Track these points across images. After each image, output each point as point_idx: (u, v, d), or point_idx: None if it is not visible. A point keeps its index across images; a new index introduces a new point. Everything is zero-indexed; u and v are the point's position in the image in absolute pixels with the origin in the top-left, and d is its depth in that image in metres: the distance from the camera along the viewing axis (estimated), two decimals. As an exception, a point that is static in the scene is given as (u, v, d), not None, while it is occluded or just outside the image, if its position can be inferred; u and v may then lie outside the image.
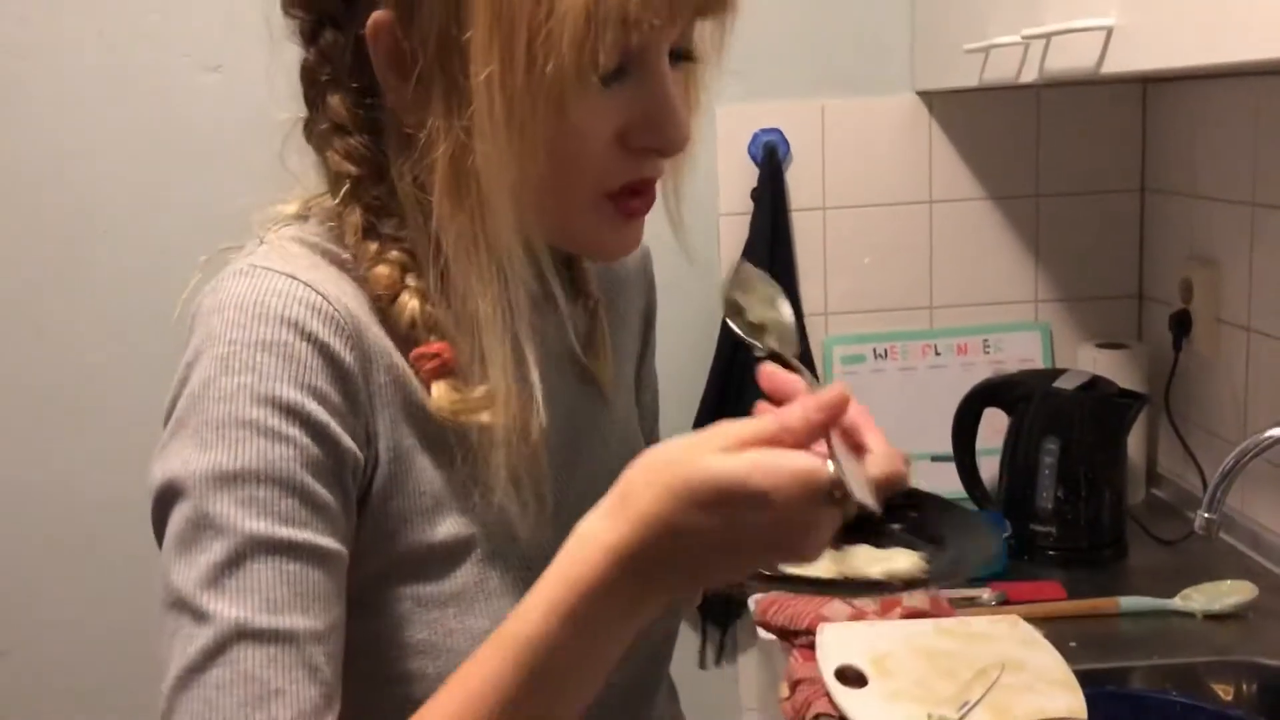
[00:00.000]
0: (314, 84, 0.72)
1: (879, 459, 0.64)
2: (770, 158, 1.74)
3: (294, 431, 0.64)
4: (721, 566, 0.61)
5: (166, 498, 0.65)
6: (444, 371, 0.70)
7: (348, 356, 0.67)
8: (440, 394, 0.70)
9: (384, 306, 0.71)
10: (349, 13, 0.69)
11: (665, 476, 0.59)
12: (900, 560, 0.65)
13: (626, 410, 0.90)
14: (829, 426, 0.60)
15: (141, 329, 1.72)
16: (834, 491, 0.58)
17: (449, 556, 0.71)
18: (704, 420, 1.76)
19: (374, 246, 0.71)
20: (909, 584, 0.64)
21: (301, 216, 0.75)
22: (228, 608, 0.61)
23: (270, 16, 0.73)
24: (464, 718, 0.61)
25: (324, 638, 0.64)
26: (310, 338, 0.66)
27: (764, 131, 1.76)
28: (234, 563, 0.62)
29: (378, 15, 0.67)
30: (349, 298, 0.70)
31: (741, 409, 1.95)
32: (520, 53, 0.63)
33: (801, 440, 0.60)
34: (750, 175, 1.75)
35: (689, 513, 0.58)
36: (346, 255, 0.72)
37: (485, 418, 0.69)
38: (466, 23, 0.64)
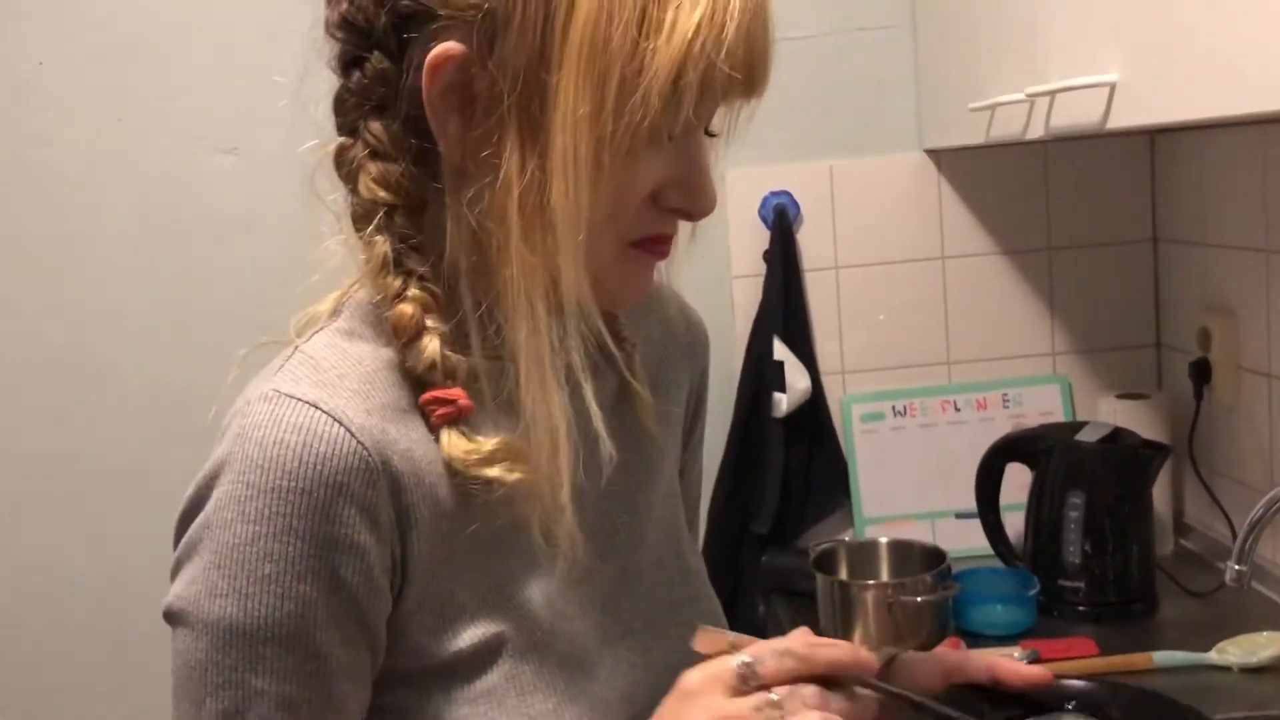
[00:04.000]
0: (355, 110, 0.70)
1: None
2: (781, 219, 1.75)
3: (305, 589, 0.64)
4: None
5: (174, 620, 0.66)
6: (456, 419, 0.69)
7: (369, 494, 0.65)
8: (451, 443, 0.68)
9: (404, 348, 0.69)
10: (405, 41, 0.68)
11: None
12: None
13: (670, 492, 0.87)
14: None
15: (160, 412, 1.73)
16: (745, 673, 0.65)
17: (479, 658, 0.70)
18: (724, 484, 1.76)
19: (397, 283, 0.69)
20: None
21: (336, 312, 0.74)
22: None
23: (300, 95, 0.72)
24: None
25: None
26: (328, 483, 0.64)
27: (774, 194, 1.77)
28: (239, 715, 0.64)
29: (446, 46, 0.66)
30: (381, 391, 0.68)
31: (761, 471, 1.93)
32: (611, 100, 0.64)
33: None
34: (761, 237, 1.77)
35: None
36: (379, 333, 0.71)
37: (499, 472, 0.68)
38: (554, 64, 0.64)
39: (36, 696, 1.78)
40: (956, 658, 0.75)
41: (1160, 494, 1.62)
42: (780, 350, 1.72)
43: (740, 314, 1.78)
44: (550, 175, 0.65)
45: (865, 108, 1.78)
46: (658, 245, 0.72)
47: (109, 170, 1.73)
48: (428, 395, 0.69)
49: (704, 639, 0.69)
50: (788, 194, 1.77)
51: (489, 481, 0.68)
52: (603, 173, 0.65)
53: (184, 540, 0.67)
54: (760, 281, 1.76)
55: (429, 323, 0.69)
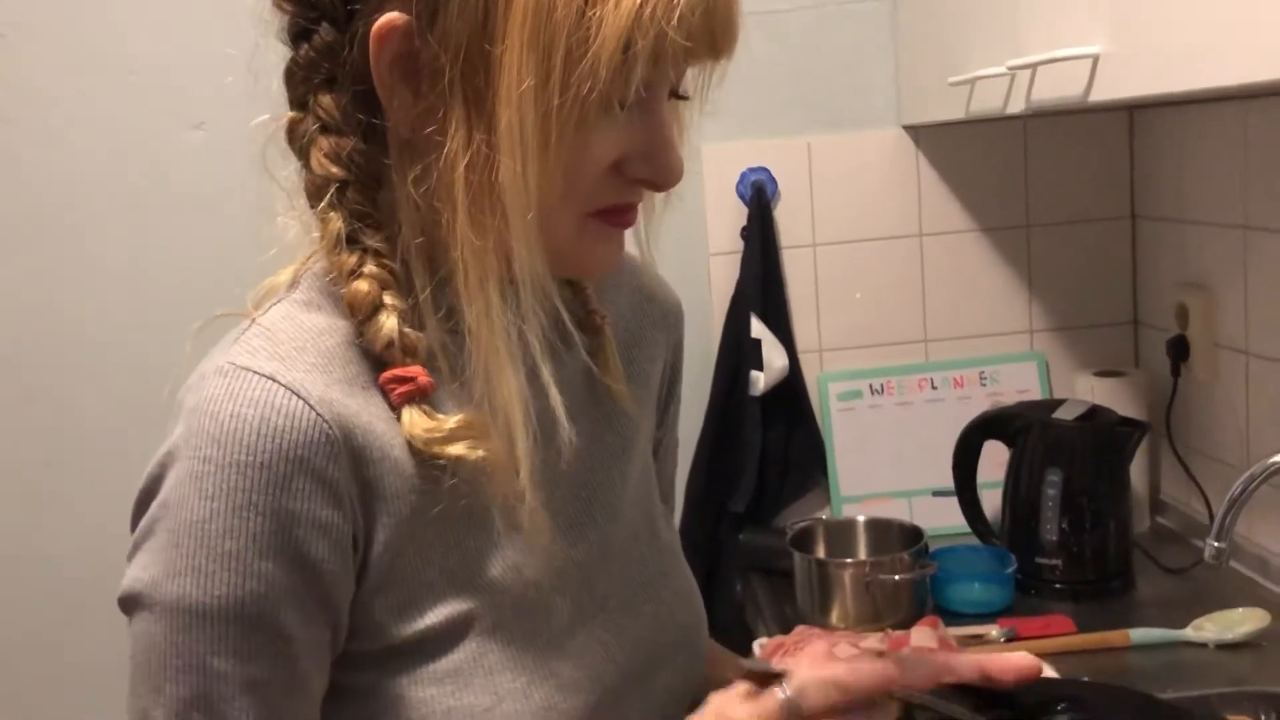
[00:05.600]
0: (304, 83, 0.69)
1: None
2: (759, 196, 1.74)
3: (266, 566, 0.62)
4: None
5: (130, 605, 0.65)
6: (416, 397, 0.67)
7: (330, 467, 0.64)
8: (412, 421, 0.66)
9: (361, 326, 0.68)
10: (352, 12, 0.66)
11: None
12: None
13: (644, 467, 0.86)
14: None
15: (129, 389, 1.70)
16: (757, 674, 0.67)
17: (445, 637, 0.69)
18: (701, 462, 1.74)
19: (353, 260, 0.68)
20: None
21: (294, 284, 0.72)
22: None
23: (253, 64, 0.70)
24: None
25: None
26: (287, 457, 0.62)
27: (751, 170, 1.75)
28: (202, 699, 0.62)
29: (390, 17, 0.64)
30: (340, 366, 0.67)
31: (739, 449, 1.93)
32: (557, 72, 0.62)
33: None
34: (739, 214, 1.75)
35: None
36: (338, 305, 0.69)
37: (461, 450, 0.66)
38: (498, 35, 0.62)
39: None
40: (943, 658, 0.74)
41: (1137, 471, 1.62)
42: (758, 328, 1.71)
43: (717, 291, 1.77)
44: (497, 151, 0.63)
45: (844, 83, 1.76)
46: (620, 215, 0.70)
47: (74, 146, 1.70)
48: (387, 374, 0.67)
49: (743, 671, 0.69)
50: (765, 170, 1.75)
51: (453, 459, 0.67)
52: (551, 148, 0.63)
53: (141, 522, 0.65)
54: (738, 259, 1.75)
55: (386, 299, 0.68)
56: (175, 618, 0.62)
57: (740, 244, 1.75)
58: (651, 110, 0.67)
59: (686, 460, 1.75)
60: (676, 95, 0.71)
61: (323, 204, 0.68)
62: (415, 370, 0.67)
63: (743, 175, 1.75)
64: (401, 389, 0.67)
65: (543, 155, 0.63)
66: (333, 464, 0.64)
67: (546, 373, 0.66)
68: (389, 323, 0.67)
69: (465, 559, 0.70)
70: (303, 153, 0.69)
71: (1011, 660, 0.72)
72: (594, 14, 0.61)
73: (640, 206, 0.73)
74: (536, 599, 0.72)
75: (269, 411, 0.62)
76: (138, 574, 0.64)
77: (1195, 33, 0.86)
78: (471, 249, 0.65)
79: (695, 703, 0.71)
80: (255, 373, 0.64)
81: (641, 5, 0.61)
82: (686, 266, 1.77)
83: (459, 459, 0.66)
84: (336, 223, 0.68)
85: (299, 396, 0.63)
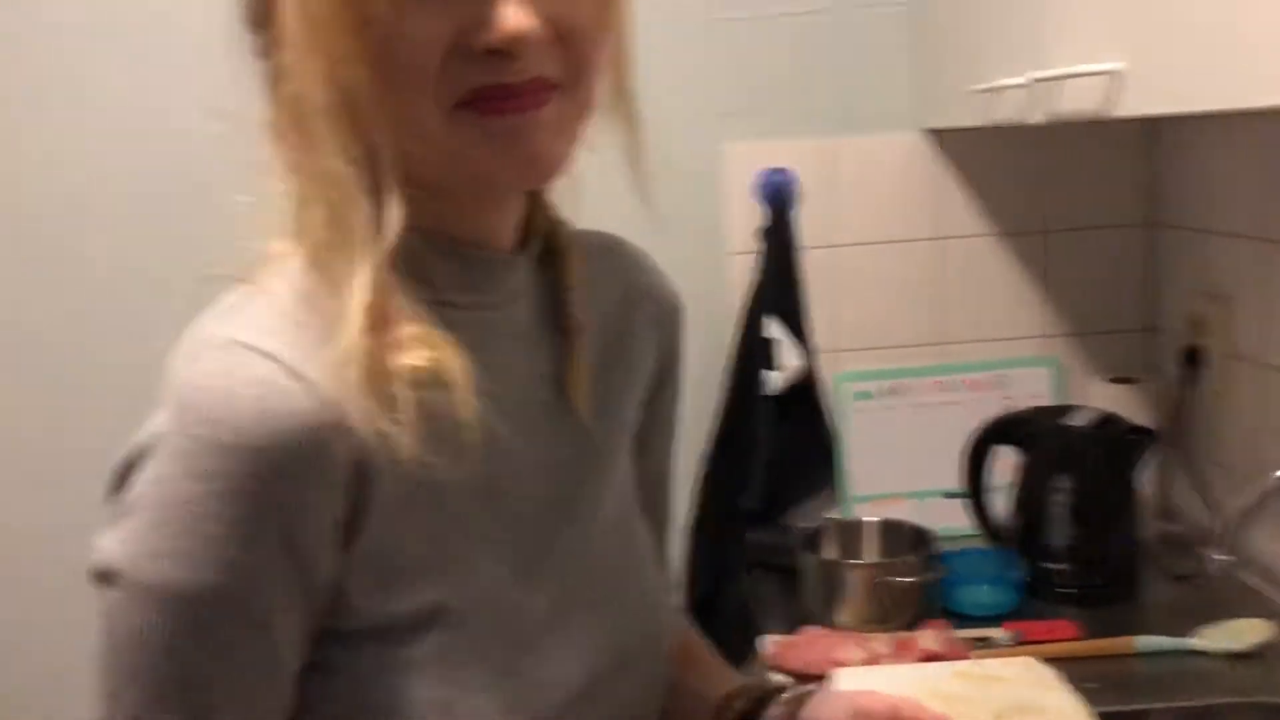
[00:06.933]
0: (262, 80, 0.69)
1: None
2: (777, 196, 1.74)
3: (254, 552, 0.60)
4: None
5: (105, 579, 0.62)
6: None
7: (327, 453, 0.61)
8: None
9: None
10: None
11: None
12: None
13: (625, 468, 0.85)
14: None
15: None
16: None
17: (415, 624, 0.67)
18: (714, 460, 1.76)
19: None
20: None
21: (291, 252, 0.69)
22: None
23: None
24: None
25: None
26: (284, 442, 0.60)
27: (771, 171, 1.76)
28: (176, 683, 0.61)
29: None
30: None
31: (750, 447, 1.93)
32: None
33: None
34: (757, 214, 1.76)
35: None
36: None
37: (414, 358, 0.64)
38: None
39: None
40: (865, 699, 0.77)
41: (1147, 478, 1.62)
42: (773, 328, 1.72)
43: (735, 291, 1.78)
44: (293, 65, 0.62)
45: (864, 86, 1.77)
46: (495, 101, 0.64)
47: (71, 143, 1.71)
48: None
49: (736, 685, 0.69)
50: (784, 171, 1.76)
51: (409, 372, 0.63)
52: (325, 36, 0.61)
53: (122, 492, 0.63)
54: (755, 258, 1.76)
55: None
56: (153, 599, 0.60)
57: (758, 244, 1.75)
58: None
59: (697, 457, 1.76)
60: None
61: (279, 172, 0.67)
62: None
63: (762, 175, 1.76)
64: None
65: (319, 48, 0.61)
66: (329, 449, 0.61)
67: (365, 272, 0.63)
68: None
69: (444, 548, 0.68)
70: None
71: (923, 715, 0.78)
72: None
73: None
74: (508, 595, 0.71)
75: (268, 392, 0.60)
76: (115, 548, 0.62)
77: (1216, 54, 0.87)
78: (289, 163, 0.64)
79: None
80: (256, 350, 0.61)
81: None
82: (704, 265, 1.78)
83: (415, 371, 0.64)
84: (293, 185, 0.66)
85: (301, 378, 0.61)
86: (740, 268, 1.77)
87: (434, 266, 0.68)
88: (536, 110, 0.65)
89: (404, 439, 0.62)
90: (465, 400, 0.65)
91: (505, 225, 0.74)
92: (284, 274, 0.67)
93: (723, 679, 0.91)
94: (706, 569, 1.78)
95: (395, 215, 0.63)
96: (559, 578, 0.75)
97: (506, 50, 0.62)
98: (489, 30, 0.62)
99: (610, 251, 0.87)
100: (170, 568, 0.60)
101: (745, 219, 1.77)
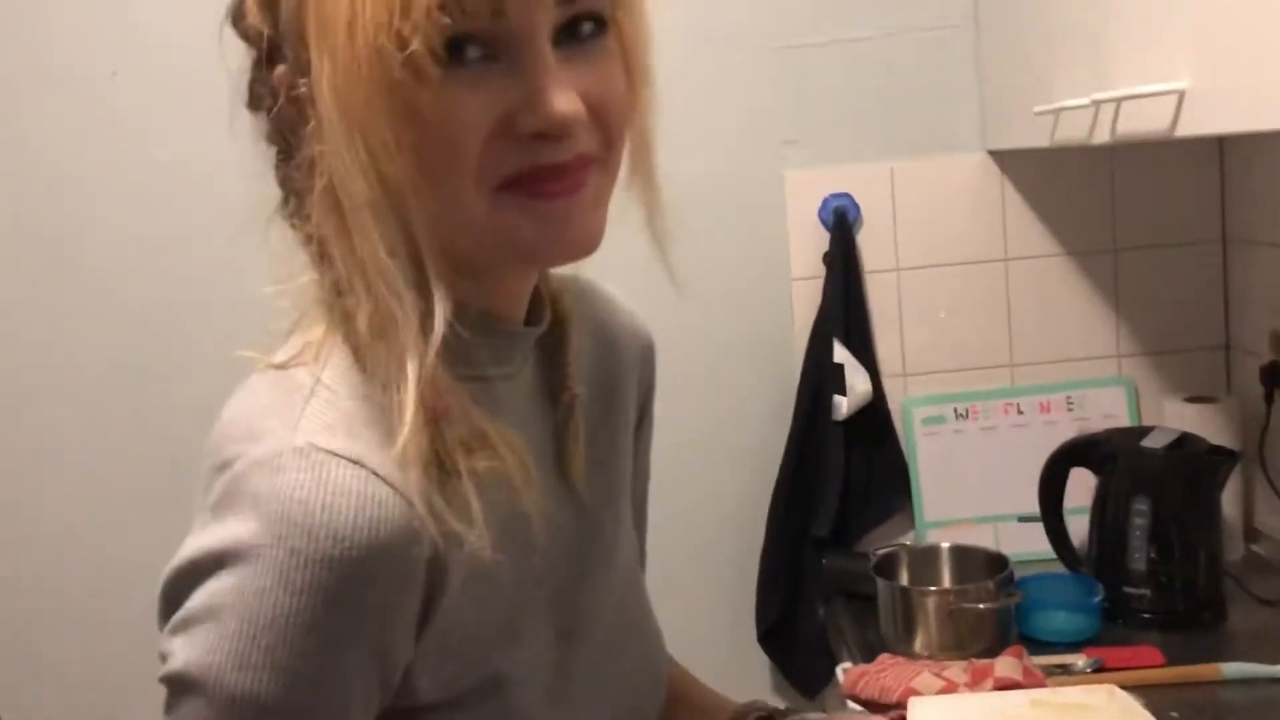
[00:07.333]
0: (277, 168, 0.70)
1: None
2: (841, 221, 1.75)
3: (346, 659, 0.61)
4: None
5: (182, 688, 0.61)
6: (434, 419, 0.65)
7: (416, 552, 0.62)
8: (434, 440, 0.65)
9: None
10: (273, 90, 0.68)
11: None
12: None
13: (627, 518, 0.87)
14: None
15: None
16: None
17: (474, 695, 0.68)
18: (784, 487, 1.76)
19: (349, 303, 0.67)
20: None
21: (329, 342, 0.68)
22: None
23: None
24: None
25: None
26: (382, 549, 0.60)
27: (833, 196, 1.76)
28: None
29: (278, 72, 0.66)
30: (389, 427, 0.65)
31: (822, 473, 1.92)
32: (343, 52, 0.60)
33: None
34: (821, 239, 1.76)
35: None
36: None
37: (481, 461, 0.65)
38: (305, 40, 0.63)
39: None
40: None
41: (1230, 498, 1.59)
42: (840, 353, 1.72)
43: (800, 317, 1.78)
44: (332, 158, 0.62)
45: (926, 108, 1.77)
46: (543, 183, 0.64)
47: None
48: None
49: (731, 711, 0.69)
50: (848, 196, 1.76)
51: (474, 475, 0.64)
52: (365, 125, 0.60)
53: (194, 600, 0.61)
54: (820, 284, 1.76)
55: None
56: (239, 710, 0.60)
57: (823, 269, 1.76)
58: (519, 59, 0.62)
59: (769, 484, 1.76)
60: (596, 20, 0.66)
61: (315, 267, 0.68)
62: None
63: (825, 201, 1.76)
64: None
65: (358, 136, 0.61)
66: (418, 548, 0.62)
67: (413, 366, 0.63)
68: None
69: (495, 623, 0.70)
70: (292, 227, 0.70)
71: None
72: None
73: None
74: (551, 656, 0.74)
75: (363, 502, 0.60)
76: (194, 656, 0.60)
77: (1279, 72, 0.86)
78: (354, 265, 0.63)
79: None
80: (341, 457, 0.61)
81: None
82: (769, 292, 1.79)
83: (481, 470, 0.65)
84: (329, 275, 0.67)
85: (387, 484, 0.61)
86: (806, 294, 1.77)
87: (471, 343, 0.66)
88: (581, 189, 0.66)
89: (476, 539, 0.63)
90: (531, 499, 0.66)
91: (526, 295, 0.75)
92: (331, 365, 0.66)
93: (718, 706, 0.94)
94: (780, 596, 1.78)
95: (442, 310, 0.63)
96: (590, 633, 0.78)
97: (555, 133, 0.63)
98: (537, 114, 0.62)
99: (583, 298, 0.86)
100: (262, 679, 0.59)
101: (810, 245, 1.77)
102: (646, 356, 0.91)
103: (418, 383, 0.62)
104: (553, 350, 0.79)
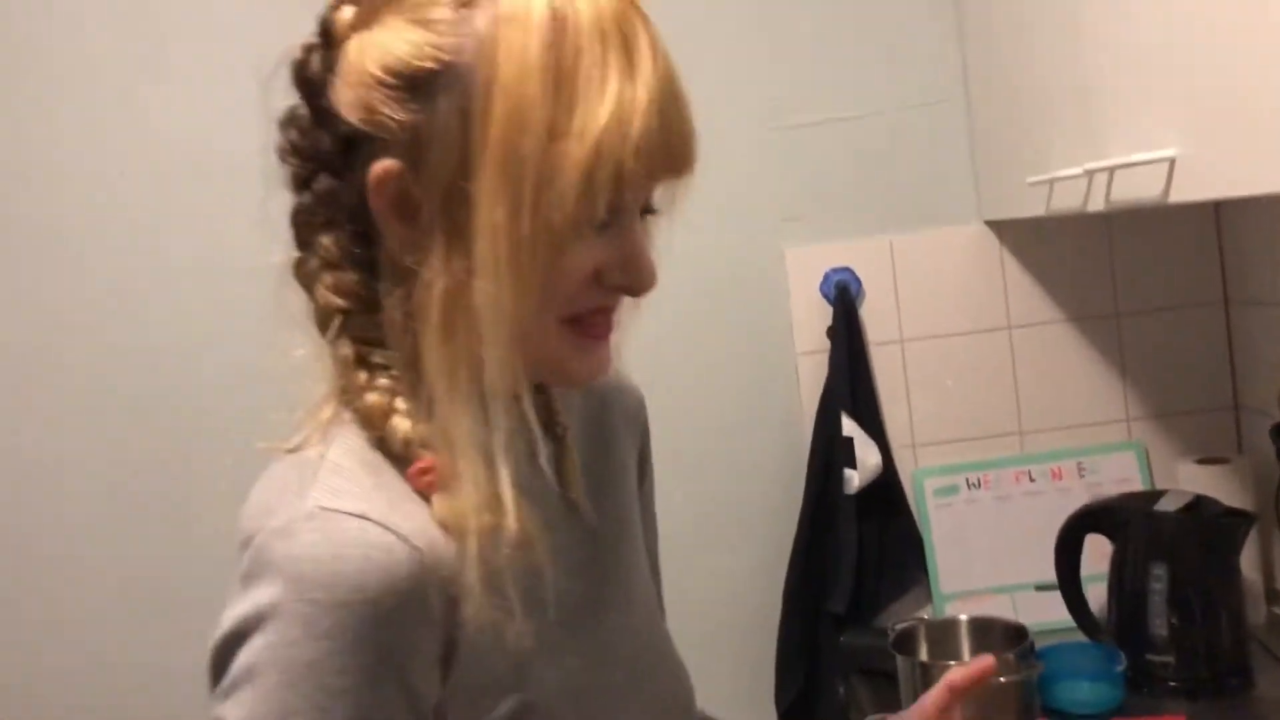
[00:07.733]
0: (306, 226, 0.75)
1: None
2: (843, 295, 1.76)
3: (376, 695, 0.65)
4: None
5: None
6: (443, 483, 0.71)
7: (426, 592, 0.67)
8: (440, 505, 0.70)
9: (382, 435, 0.72)
10: (348, 161, 0.73)
11: None
12: None
13: (641, 557, 0.92)
14: None
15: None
16: None
17: None
18: (798, 564, 1.74)
19: (364, 376, 0.73)
20: None
21: (338, 419, 0.75)
22: None
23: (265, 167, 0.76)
24: None
25: None
26: (393, 590, 0.66)
27: (835, 270, 1.78)
28: None
29: (385, 164, 0.70)
30: (399, 490, 0.71)
31: (835, 549, 1.91)
32: (526, 202, 0.68)
33: None
34: (824, 313, 1.77)
35: None
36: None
37: (490, 519, 0.69)
38: (474, 173, 0.68)
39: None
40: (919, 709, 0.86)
41: (1249, 560, 1.57)
42: (849, 426, 1.72)
43: (806, 391, 1.79)
44: (472, 276, 0.68)
45: (922, 181, 1.79)
46: (595, 327, 0.75)
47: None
48: (412, 469, 0.71)
49: None
50: (849, 270, 1.78)
51: (489, 534, 0.69)
52: (523, 270, 0.68)
53: (235, 665, 0.66)
54: (825, 358, 1.76)
55: (397, 404, 0.73)
56: None
57: (827, 343, 1.76)
58: (625, 225, 0.73)
59: (783, 560, 1.75)
60: (648, 210, 0.76)
61: (330, 333, 0.74)
62: (432, 460, 0.71)
63: (826, 275, 1.78)
64: (427, 478, 0.71)
65: (516, 277, 0.68)
66: (427, 588, 0.67)
67: (505, 465, 0.70)
68: (403, 424, 0.72)
69: (516, 658, 0.72)
70: (308, 287, 0.76)
71: (969, 667, 0.90)
72: (558, 148, 0.67)
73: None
74: (583, 680, 0.77)
75: (369, 550, 0.66)
76: (243, 714, 0.65)
77: (1271, 138, 0.87)
78: (437, 365, 0.70)
79: None
80: (347, 514, 0.67)
81: (601, 139, 0.67)
82: (774, 367, 1.80)
83: (494, 531, 0.69)
84: (345, 348, 0.73)
85: (391, 531, 0.67)
86: (812, 368, 1.78)
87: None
88: (613, 330, 0.77)
89: (492, 604, 0.68)
90: (545, 560, 0.71)
91: None
92: (337, 443, 0.73)
93: None
94: (798, 674, 1.75)
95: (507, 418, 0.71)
96: (616, 652, 0.82)
97: (641, 291, 0.74)
98: (634, 274, 0.73)
99: None
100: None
101: (813, 319, 1.78)
102: (638, 408, 0.97)
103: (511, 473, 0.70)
104: (534, 392, 0.84)
